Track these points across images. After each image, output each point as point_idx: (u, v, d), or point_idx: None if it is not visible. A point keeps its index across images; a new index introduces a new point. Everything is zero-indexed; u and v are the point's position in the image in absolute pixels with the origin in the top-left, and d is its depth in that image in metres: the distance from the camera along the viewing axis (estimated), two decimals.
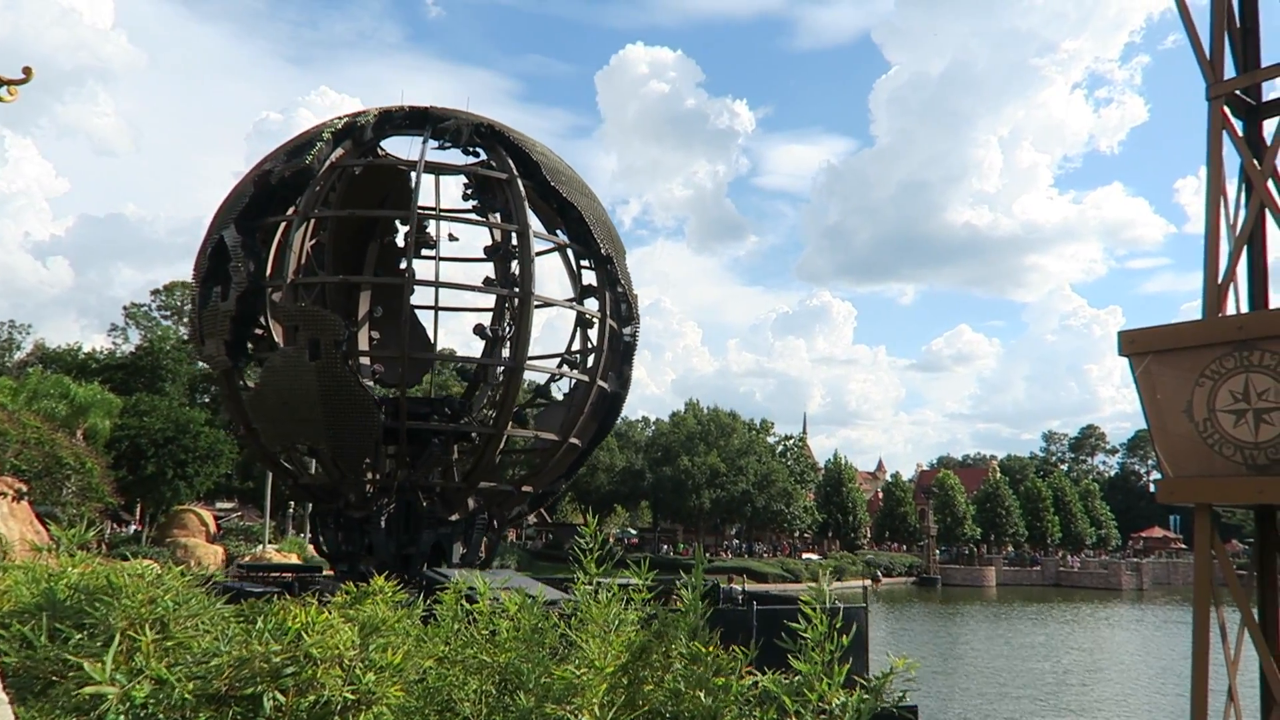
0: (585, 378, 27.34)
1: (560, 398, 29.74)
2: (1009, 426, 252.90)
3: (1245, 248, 6.02)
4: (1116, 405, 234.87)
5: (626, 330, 28.32)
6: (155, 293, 76.72)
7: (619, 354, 28.44)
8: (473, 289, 29.06)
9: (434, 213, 28.55)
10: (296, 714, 3.16)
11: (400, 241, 30.77)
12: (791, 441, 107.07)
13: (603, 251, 27.12)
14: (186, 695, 2.84)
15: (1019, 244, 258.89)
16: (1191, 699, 5.51)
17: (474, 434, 27.43)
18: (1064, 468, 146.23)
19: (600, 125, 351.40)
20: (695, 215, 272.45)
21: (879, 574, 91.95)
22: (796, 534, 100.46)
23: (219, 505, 64.00)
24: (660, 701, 4.13)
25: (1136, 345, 5.85)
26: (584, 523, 4.84)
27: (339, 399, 23.47)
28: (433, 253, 28.62)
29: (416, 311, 30.45)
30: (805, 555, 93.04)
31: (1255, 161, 5.99)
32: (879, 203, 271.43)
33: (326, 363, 23.55)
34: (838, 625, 3.71)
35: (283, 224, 26.53)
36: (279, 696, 3.08)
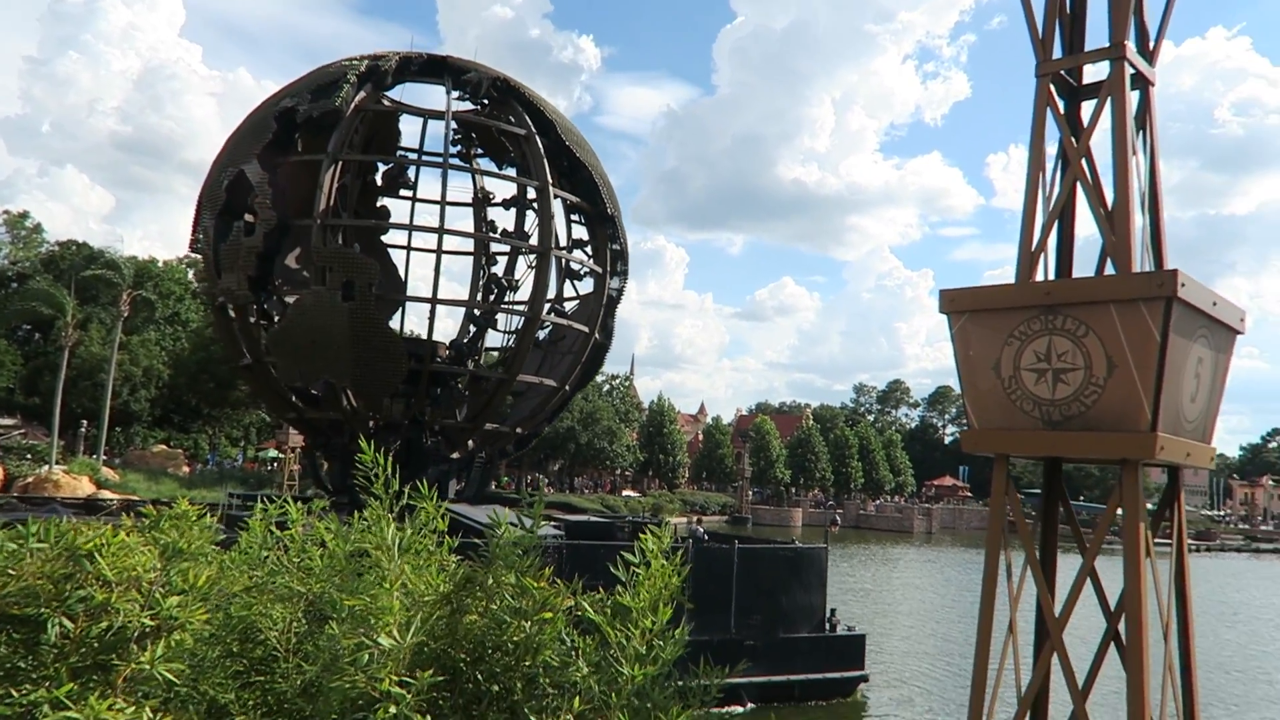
0: (585, 328, 28.56)
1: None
2: (823, 377, 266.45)
3: (1056, 220, 6.43)
4: (920, 362, 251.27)
5: (614, 284, 29.75)
6: None
7: (607, 306, 29.91)
8: (493, 240, 30.75)
9: (468, 167, 30.18)
10: (86, 641, 2.90)
11: (380, 181, 32.28)
12: (618, 381, 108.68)
13: (608, 211, 28.52)
14: None
15: (843, 204, 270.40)
16: (978, 629, 5.96)
17: (488, 378, 28.66)
18: (871, 418, 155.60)
19: (439, 46, 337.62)
20: None
21: (696, 512, 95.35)
22: (618, 472, 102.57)
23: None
24: (482, 631, 4.07)
25: (955, 304, 6.16)
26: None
27: (369, 342, 24.11)
28: (423, 196, 31.11)
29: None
30: (625, 493, 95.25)
31: (1073, 140, 6.38)
32: (715, 153, 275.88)
33: (360, 305, 24.06)
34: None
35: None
36: (65, 622, 2.80)
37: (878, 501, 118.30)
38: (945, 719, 23.20)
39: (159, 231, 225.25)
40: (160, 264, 76.51)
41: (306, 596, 4.13)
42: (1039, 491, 6.80)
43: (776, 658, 23.48)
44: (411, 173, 32.18)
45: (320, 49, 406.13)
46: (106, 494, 42.00)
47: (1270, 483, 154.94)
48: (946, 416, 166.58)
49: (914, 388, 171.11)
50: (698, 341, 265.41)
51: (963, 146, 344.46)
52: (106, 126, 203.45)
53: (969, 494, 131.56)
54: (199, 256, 28.96)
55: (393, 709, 2.88)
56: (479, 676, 3.90)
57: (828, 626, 25.03)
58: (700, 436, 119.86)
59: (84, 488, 43.49)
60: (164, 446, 69.01)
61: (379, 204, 31.94)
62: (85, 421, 59.36)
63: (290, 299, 26.88)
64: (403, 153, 32.69)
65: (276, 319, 26.83)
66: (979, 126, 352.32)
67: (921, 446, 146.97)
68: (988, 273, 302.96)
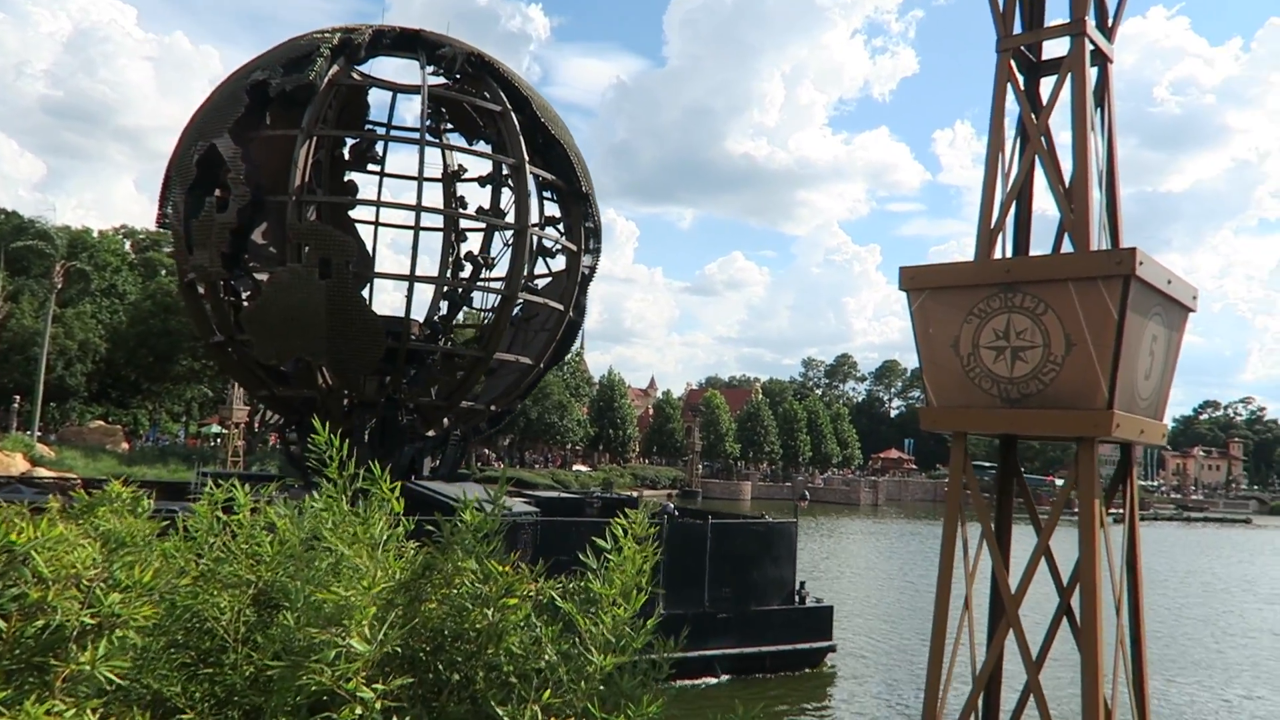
0: (560, 306, 28.59)
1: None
2: (772, 352, 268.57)
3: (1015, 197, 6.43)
4: (867, 337, 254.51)
5: (587, 261, 29.81)
6: None
7: (581, 284, 29.98)
8: (470, 217, 30.53)
9: (446, 144, 30.24)
10: (21, 641, 2.72)
11: (347, 155, 31.97)
12: (568, 355, 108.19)
13: (583, 189, 28.58)
14: None
15: (792, 178, 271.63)
16: (935, 603, 5.99)
17: (463, 356, 28.57)
18: (819, 392, 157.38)
19: (384, 13, 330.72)
20: None
21: (644, 487, 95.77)
22: (569, 446, 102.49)
23: None
24: (442, 619, 3.95)
25: (915, 281, 6.14)
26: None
27: (347, 319, 23.93)
28: (391, 171, 30.60)
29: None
30: (576, 467, 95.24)
31: (1033, 116, 6.36)
32: (665, 125, 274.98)
33: (337, 282, 23.83)
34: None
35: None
36: None
37: (825, 474, 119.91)
38: (908, 687, 23.76)
39: (94, 200, 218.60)
40: (96, 234, 74.22)
41: (256, 584, 3.97)
42: (988, 465, 6.85)
43: (749, 630, 24.08)
44: (379, 146, 31.99)
45: (261, 14, 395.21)
46: (42, 471, 40.79)
47: (1201, 454, 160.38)
48: (893, 390, 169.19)
49: (861, 362, 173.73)
50: (648, 316, 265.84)
51: (910, 122, 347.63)
52: (36, 90, 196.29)
53: (914, 466, 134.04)
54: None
55: (359, 710, 2.76)
56: (439, 666, 3.78)
57: (797, 599, 25.64)
58: (651, 411, 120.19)
59: (18, 465, 42.19)
60: (101, 422, 67.23)
61: (346, 179, 31.58)
62: (18, 397, 57.56)
63: (259, 276, 26.63)
64: (371, 127, 32.28)
65: (246, 296, 26.60)
66: (926, 102, 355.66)
67: (868, 420, 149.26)
68: (934, 248, 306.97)
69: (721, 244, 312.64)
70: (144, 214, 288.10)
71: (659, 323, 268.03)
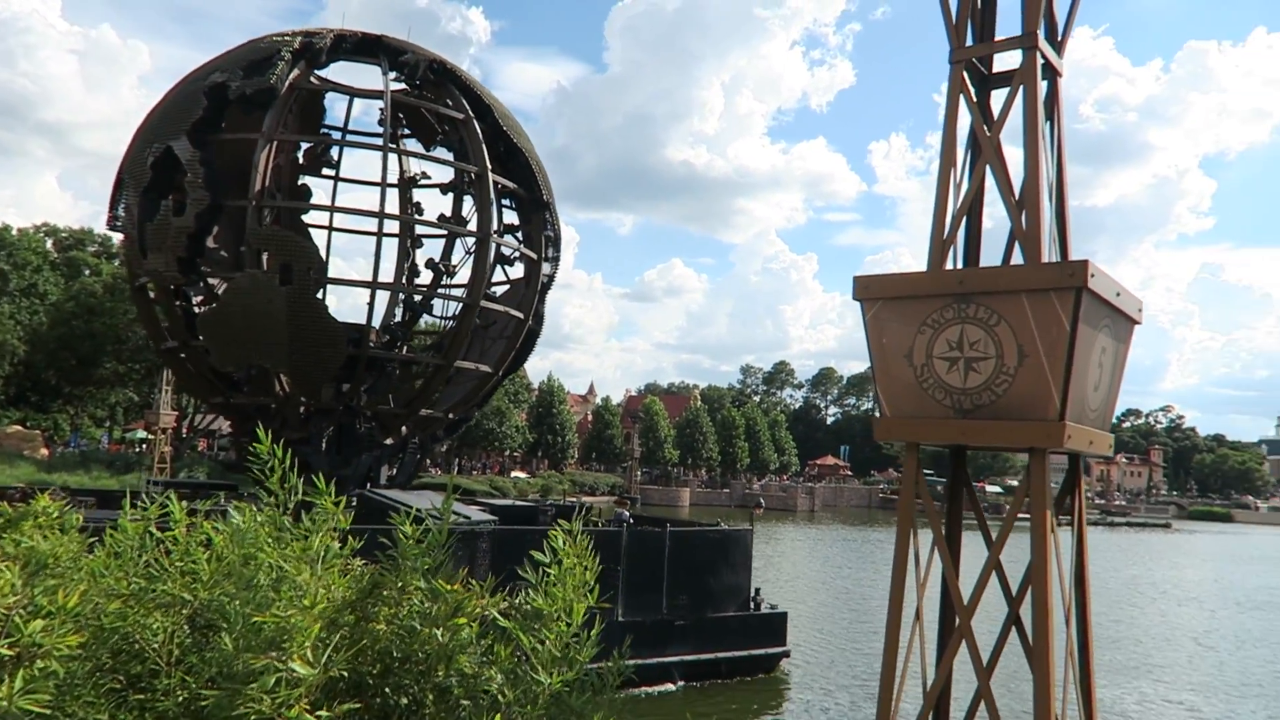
0: (519, 314, 28.57)
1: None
2: (710, 358, 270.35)
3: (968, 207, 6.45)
4: (804, 345, 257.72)
5: (546, 269, 29.92)
6: None
7: (540, 292, 29.99)
8: (429, 223, 30.59)
9: (411, 150, 30.11)
10: None
11: (301, 159, 31.85)
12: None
13: (544, 197, 28.72)
14: None
15: (731, 186, 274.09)
16: (888, 614, 5.96)
17: (423, 364, 28.29)
18: (757, 399, 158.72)
19: (321, 12, 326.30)
20: None
21: (582, 493, 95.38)
22: (507, 453, 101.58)
23: None
24: (391, 640, 3.78)
25: (869, 291, 6.12)
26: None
27: (307, 326, 23.66)
28: (345, 176, 30.94)
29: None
30: (514, 474, 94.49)
31: (985, 127, 6.39)
32: (606, 131, 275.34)
33: (299, 289, 23.62)
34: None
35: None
36: None
37: (763, 481, 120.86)
38: (859, 690, 24.29)
39: (13, 197, 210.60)
40: (15, 232, 71.43)
41: (192, 604, 3.75)
42: (930, 474, 6.87)
43: (706, 637, 24.26)
44: (333, 151, 31.94)
45: (193, 9, 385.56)
46: None
47: (1123, 460, 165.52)
48: (829, 398, 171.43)
49: (798, 369, 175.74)
50: (587, 321, 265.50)
51: (847, 133, 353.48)
52: None
53: (849, 473, 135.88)
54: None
55: None
56: (387, 690, 3.62)
57: (753, 605, 25.89)
58: (590, 417, 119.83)
59: None
60: (19, 427, 64.58)
61: (299, 182, 31.34)
62: None
63: (213, 280, 26.36)
64: (326, 131, 32.17)
65: (197, 301, 26.34)
66: (862, 114, 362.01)
67: (805, 426, 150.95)
68: (870, 258, 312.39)
69: (661, 251, 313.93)
70: (67, 212, 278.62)
71: (598, 328, 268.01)
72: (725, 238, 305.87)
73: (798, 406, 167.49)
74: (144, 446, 67.11)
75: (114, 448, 73.73)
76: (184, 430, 71.11)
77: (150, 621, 3.68)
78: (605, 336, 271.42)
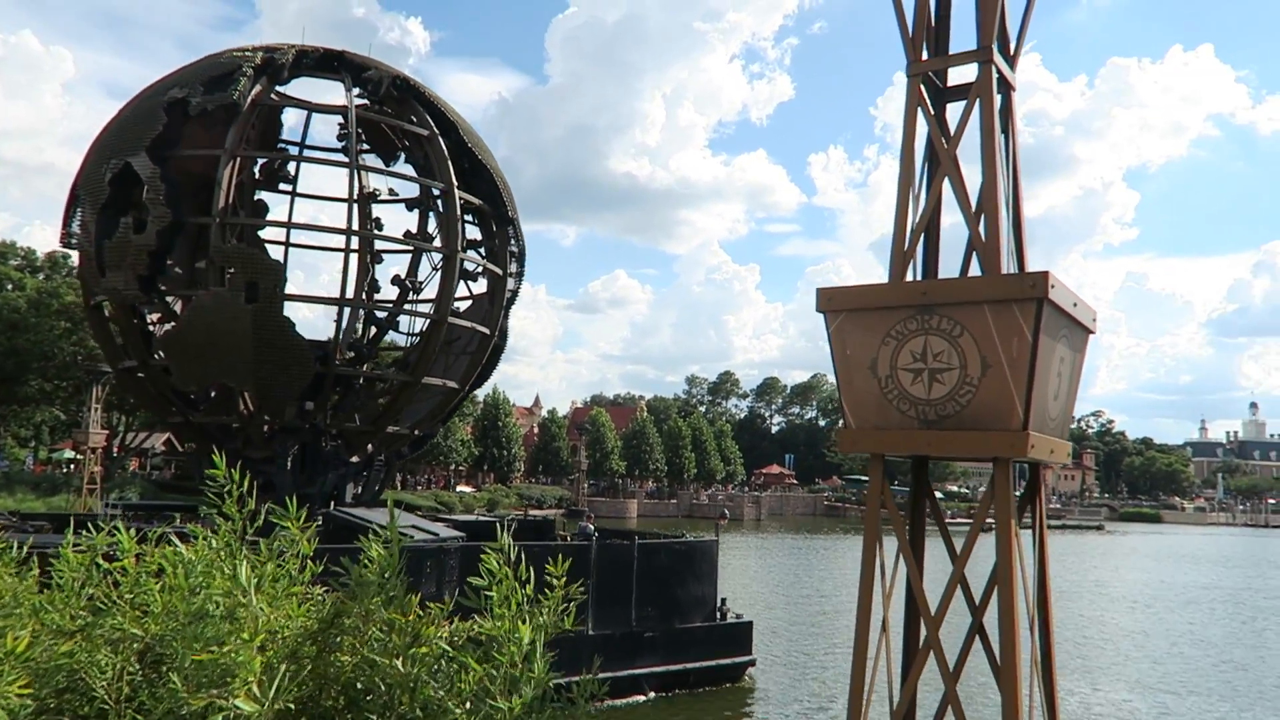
0: (485, 330, 28.49)
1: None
2: (655, 369, 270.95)
3: (928, 218, 6.48)
4: (748, 354, 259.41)
5: (511, 284, 29.91)
6: None
7: (505, 307, 30.07)
8: (395, 240, 30.53)
9: (375, 167, 30.02)
10: None
11: (258, 174, 31.69)
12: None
13: (509, 214, 28.84)
14: None
15: (673, 198, 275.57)
16: (855, 626, 5.93)
17: (390, 380, 28.01)
18: (702, 409, 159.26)
19: (255, 20, 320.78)
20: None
21: (529, 506, 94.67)
22: (452, 467, 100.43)
23: None
24: (352, 673, 3.62)
25: (833, 303, 6.10)
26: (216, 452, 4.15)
27: (273, 344, 23.36)
28: (303, 191, 31.39)
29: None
30: (460, 488, 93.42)
31: (943, 140, 6.43)
32: (547, 143, 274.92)
33: (264, 307, 23.36)
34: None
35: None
36: None
37: (710, 490, 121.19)
38: (822, 696, 24.69)
39: None
40: None
41: (144, 639, 3.54)
42: (863, 479, 6.89)
43: (674, 647, 24.44)
44: (291, 166, 31.78)
45: (118, 15, 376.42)
46: None
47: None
48: (773, 407, 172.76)
49: (743, 379, 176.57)
50: (531, 333, 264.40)
51: (787, 145, 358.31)
52: None
53: (794, 481, 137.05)
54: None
55: None
56: None
57: (719, 615, 26.03)
58: (536, 429, 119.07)
59: None
60: None
61: (256, 198, 31.09)
62: None
63: (170, 299, 26.03)
64: (284, 146, 31.99)
65: (156, 319, 26.02)
66: (802, 127, 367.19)
67: (750, 436, 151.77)
68: (811, 268, 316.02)
69: (604, 262, 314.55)
70: None
71: (543, 340, 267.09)
72: (668, 248, 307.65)
73: (743, 416, 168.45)
74: (72, 466, 64.90)
75: (39, 468, 71.20)
76: (114, 449, 68.94)
77: (99, 658, 3.47)
78: (550, 348, 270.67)
